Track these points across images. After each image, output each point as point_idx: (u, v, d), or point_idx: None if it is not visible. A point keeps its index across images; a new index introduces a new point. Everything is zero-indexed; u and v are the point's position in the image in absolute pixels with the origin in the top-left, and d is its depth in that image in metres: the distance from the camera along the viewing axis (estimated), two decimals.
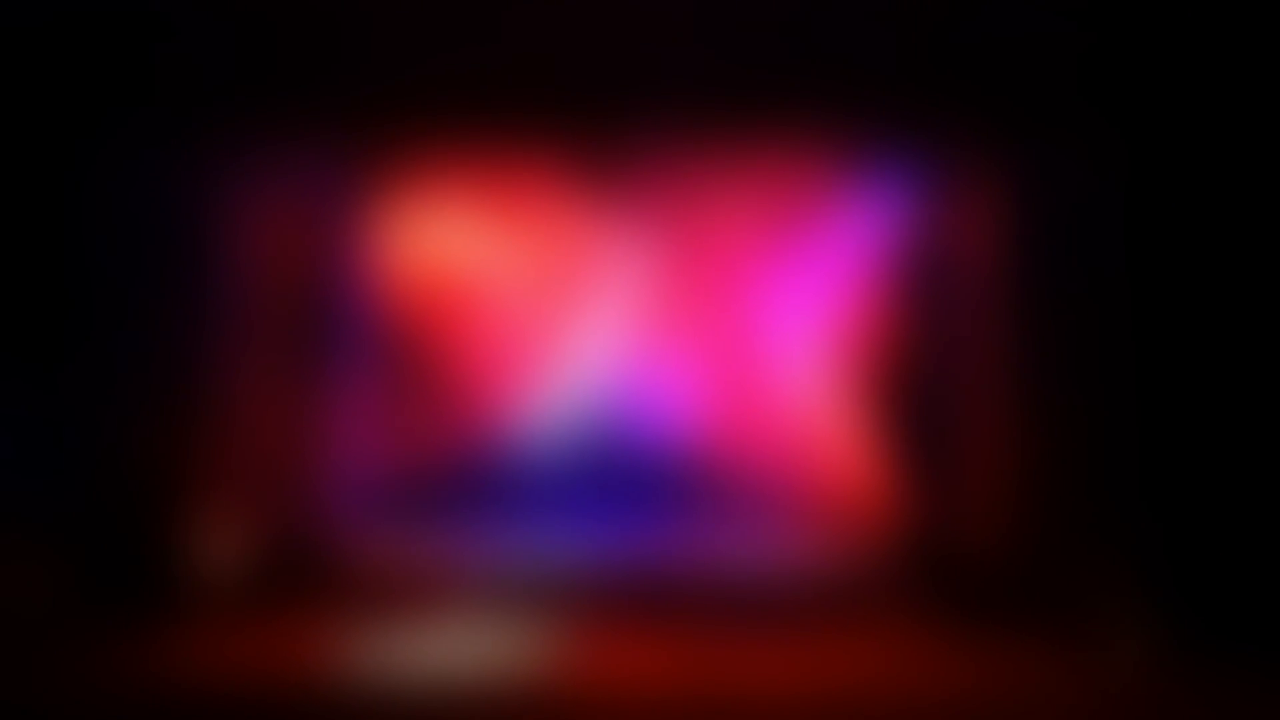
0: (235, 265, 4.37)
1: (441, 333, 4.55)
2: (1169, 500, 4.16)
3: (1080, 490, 4.24)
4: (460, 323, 4.55)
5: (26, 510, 4.11)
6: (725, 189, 4.49)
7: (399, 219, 4.52)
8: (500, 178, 4.52)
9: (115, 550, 4.19)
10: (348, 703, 3.72)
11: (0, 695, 3.68)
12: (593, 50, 4.28)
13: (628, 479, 4.53)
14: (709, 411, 4.54)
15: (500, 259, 4.56)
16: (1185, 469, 4.16)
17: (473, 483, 4.51)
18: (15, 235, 4.11)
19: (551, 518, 4.49)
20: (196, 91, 4.22)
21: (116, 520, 4.20)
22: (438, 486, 4.51)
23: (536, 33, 4.26)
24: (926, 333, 4.44)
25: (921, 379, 4.45)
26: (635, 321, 4.56)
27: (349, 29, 4.26)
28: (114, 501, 4.21)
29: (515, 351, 4.56)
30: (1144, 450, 4.19)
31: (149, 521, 4.24)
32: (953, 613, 4.22)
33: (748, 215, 4.51)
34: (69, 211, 4.17)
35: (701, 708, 3.70)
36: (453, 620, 4.19)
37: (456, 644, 4.03)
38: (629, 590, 4.34)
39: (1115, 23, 4.20)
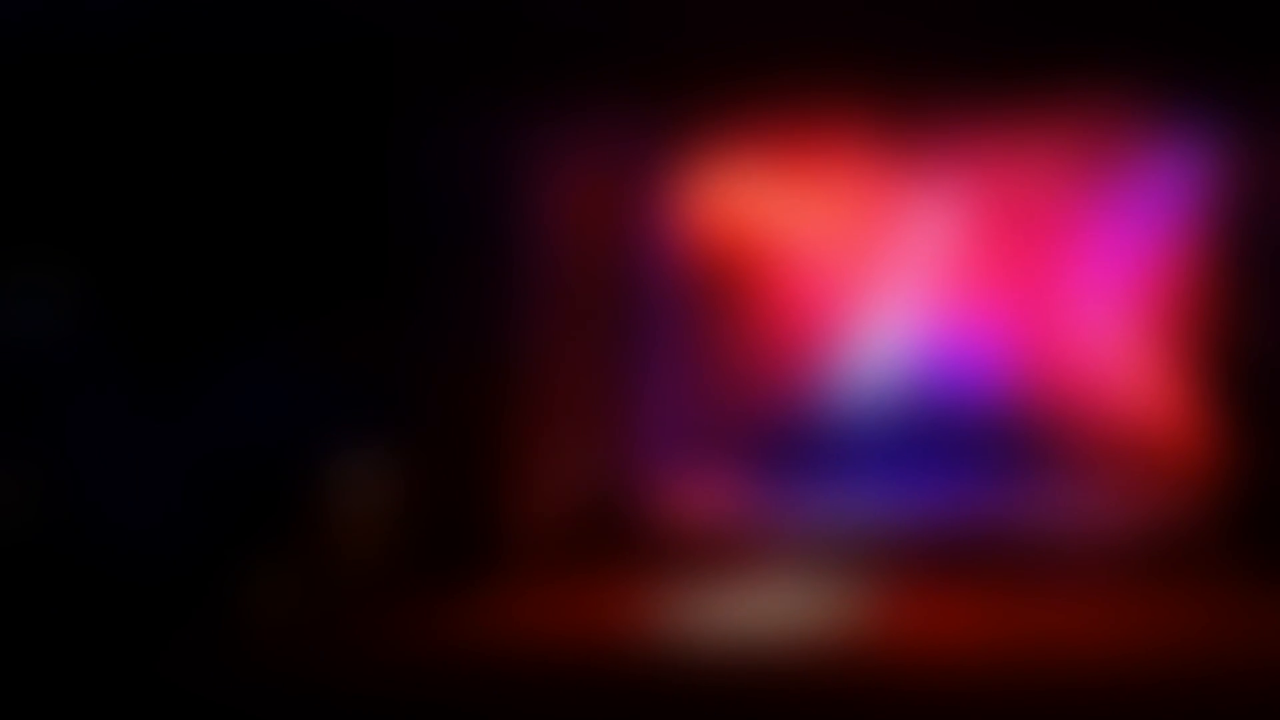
0: (544, 229, 4.44)
1: (755, 289, 4.56)
2: None
3: None
4: (773, 279, 4.56)
5: (353, 476, 4.23)
6: (1031, 138, 4.43)
7: (707, 174, 4.55)
8: (806, 135, 4.52)
9: (438, 513, 4.29)
10: (661, 661, 3.77)
11: (331, 659, 3.80)
12: (895, 5, 4.25)
13: (942, 435, 4.50)
14: (1023, 367, 4.48)
15: (809, 216, 4.56)
16: None
17: (786, 440, 4.52)
18: (337, 214, 4.22)
19: (865, 474, 4.48)
20: (501, 60, 4.29)
21: (437, 484, 4.30)
22: (752, 445, 4.54)
23: None
24: (1240, 282, 4.33)
25: (1237, 329, 4.34)
26: (947, 276, 4.52)
27: None
28: (435, 466, 4.31)
29: (828, 308, 4.56)
30: None
31: (467, 485, 4.34)
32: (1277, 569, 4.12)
33: (1056, 164, 4.44)
34: (387, 188, 4.27)
35: (1020, 666, 3.67)
36: (766, 579, 4.21)
37: (770, 603, 4.05)
38: (945, 548, 4.31)
39: None
